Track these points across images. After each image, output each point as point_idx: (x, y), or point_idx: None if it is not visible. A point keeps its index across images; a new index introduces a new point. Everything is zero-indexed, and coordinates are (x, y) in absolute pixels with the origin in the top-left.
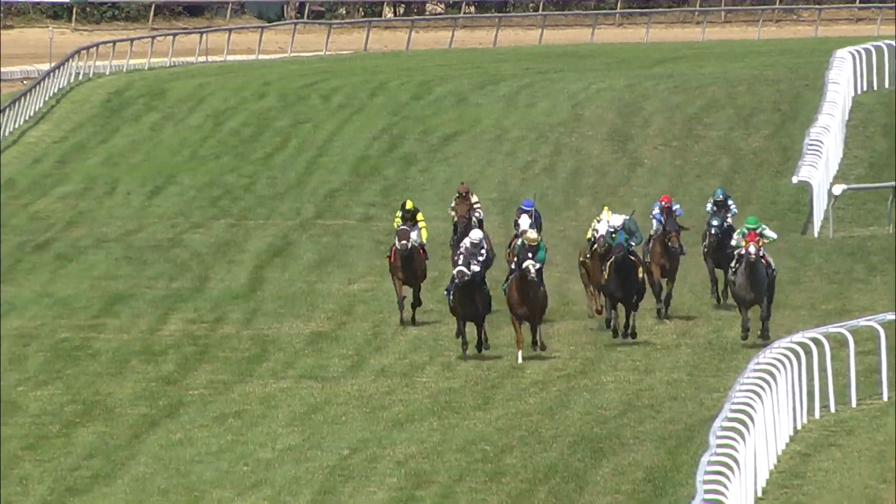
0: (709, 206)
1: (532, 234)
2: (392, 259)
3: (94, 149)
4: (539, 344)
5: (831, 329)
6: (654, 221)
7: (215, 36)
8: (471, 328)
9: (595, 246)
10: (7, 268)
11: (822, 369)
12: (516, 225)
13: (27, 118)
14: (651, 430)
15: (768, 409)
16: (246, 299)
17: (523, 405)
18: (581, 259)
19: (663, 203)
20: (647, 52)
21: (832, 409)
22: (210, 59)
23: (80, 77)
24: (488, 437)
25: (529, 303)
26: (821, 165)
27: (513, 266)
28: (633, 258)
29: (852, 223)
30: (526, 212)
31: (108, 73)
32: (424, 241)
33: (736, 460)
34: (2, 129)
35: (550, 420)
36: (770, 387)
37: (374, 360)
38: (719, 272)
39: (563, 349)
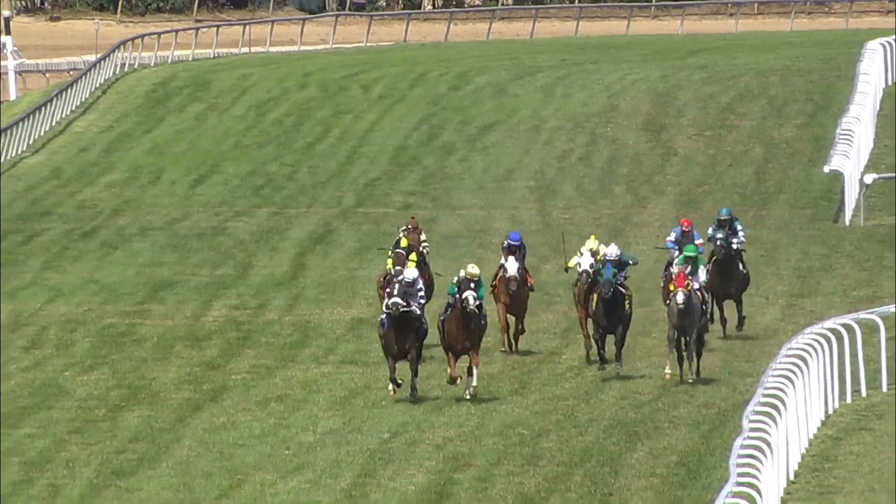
0: (710, 230)
1: (473, 269)
2: (384, 287)
3: (140, 138)
4: (472, 386)
5: (862, 315)
6: (668, 246)
7: (258, 27)
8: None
9: (578, 281)
10: (54, 255)
11: (854, 354)
12: (502, 265)
13: (74, 108)
14: (685, 415)
15: (800, 393)
16: (288, 286)
17: (559, 390)
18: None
19: (684, 227)
20: (681, 43)
21: (863, 394)
22: (253, 50)
23: (126, 68)
24: (525, 421)
25: (470, 336)
26: (852, 155)
27: (450, 301)
28: (622, 291)
29: (883, 211)
30: (512, 251)
31: (152, 64)
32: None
33: (768, 444)
34: (50, 120)
35: (586, 404)
36: (802, 372)
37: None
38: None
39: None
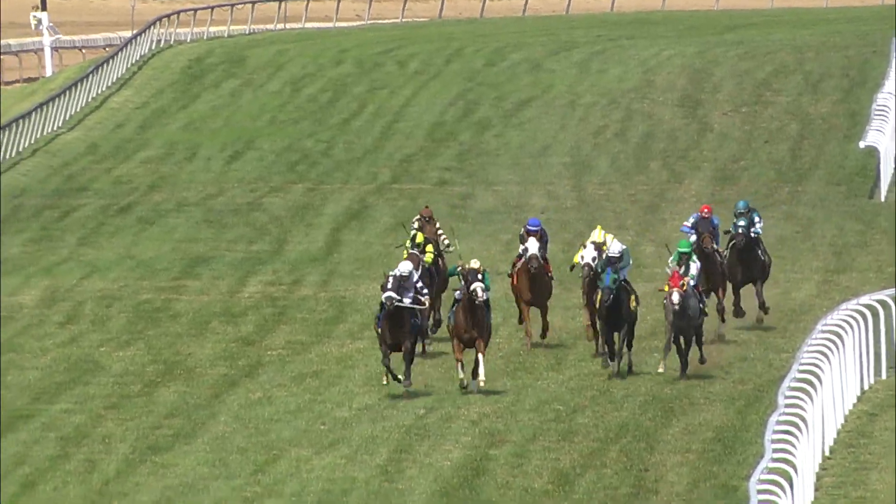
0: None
1: (474, 264)
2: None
3: (175, 114)
4: (481, 376)
5: None
6: (685, 230)
7: (294, 4)
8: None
9: (582, 275)
10: (90, 231)
11: (889, 330)
12: (522, 241)
13: (110, 84)
14: (720, 391)
15: (836, 369)
16: (323, 262)
17: (595, 366)
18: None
19: (703, 213)
20: (717, 18)
21: None
22: (288, 26)
23: (162, 44)
24: (561, 397)
25: (477, 326)
26: (888, 130)
27: (457, 294)
28: (625, 291)
29: None
30: (533, 233)
31: (188, 40)
32: (429, 262)
33: (804, 420)
34: (86, 96)
35: (621, 380)
36: (837, 348)
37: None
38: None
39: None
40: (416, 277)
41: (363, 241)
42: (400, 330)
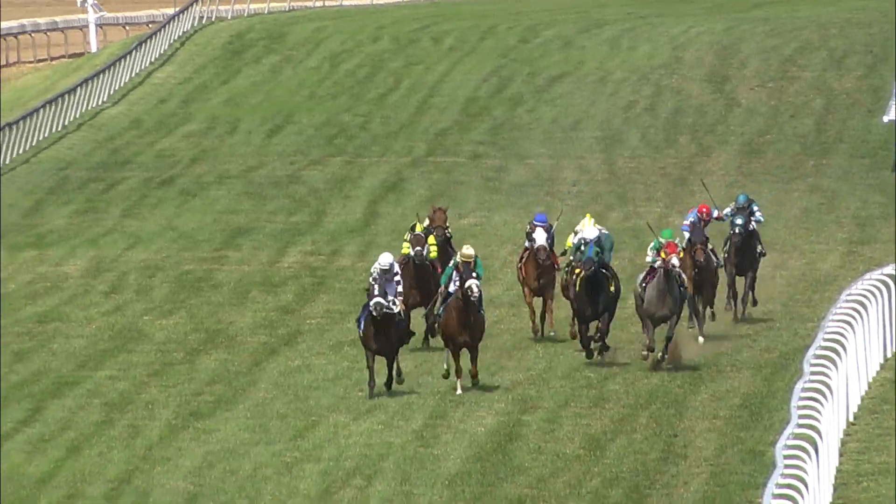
0: (728, 210)
1: (467, 250)
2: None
3: (217, 89)
4: (475, 378)
5: None
6: (684, 230)
7: None
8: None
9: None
10: (134, 203)
11: None
12: (529, 237)
13: (153, 60)
14: (747, 359)
15: (859, 338)
16: (361, 233)
17: (625, 334)
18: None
19: (702, 214)
20: None
21: None
22: (327, 4)
23: (203, 21)
24: (591, 364)
25: (470, 328)
26: None
27: (450, 289)
28: (605, 272)
29: None
30: (540, 226)
31: (229, 17)
32: (434, 257)
33: (829, 387)
34: (129, 71)
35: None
36: (861, 317)
37: (483, 291)
38: (740, 282)
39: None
40: (396, 269)
41: (399, 213)
42: (386, 336)
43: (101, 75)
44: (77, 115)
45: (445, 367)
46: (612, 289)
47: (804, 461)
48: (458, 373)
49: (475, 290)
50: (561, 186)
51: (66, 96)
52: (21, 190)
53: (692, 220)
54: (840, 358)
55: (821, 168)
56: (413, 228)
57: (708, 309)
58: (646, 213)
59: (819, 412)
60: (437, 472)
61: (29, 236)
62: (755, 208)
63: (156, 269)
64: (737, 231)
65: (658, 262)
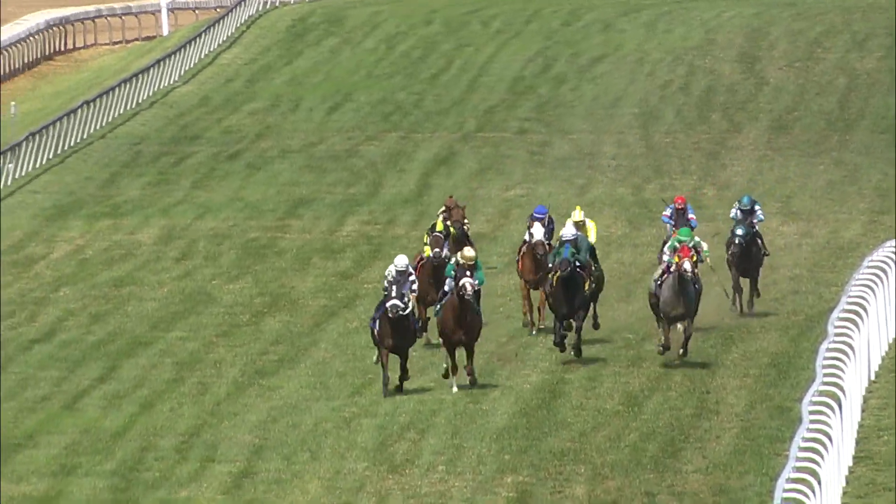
0: (734, 213)
1: (469, 252)
2: (418, 271)
3: (280, 70)
4: (472, 377)
5: None
6: (667, 225)
7: None
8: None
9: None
10: (203, 175)
11: None
12: (529, 232)
13: (220, 42)
14: (775, 321)
15: (880, 301)
16: (414, 203)
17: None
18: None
19: (677, 204)
20: None
21: None
22: None
23: (268, 5)
24: (630, 326)
25: (465, 327)
26: None
27: (446, 288)
28: (580, 272)
29: None
30: (539, 219)
31: (292, 1)
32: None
33: (852, 347)
34: (199, 53)
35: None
36: (882, 282)
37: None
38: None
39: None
40: (411, 270)
41: (451, 185)
42: (402, 336)
43: (173, 56)
44: (150, 94)
45: (444, 365)
46: (588, 288)
47: (828, 416)
48: (454, 371)
49: (468, 288)
50: (601, 160)
51: (140, 76)
52: (98, 163)
53: (671, 212)
54: (862, 320)
55: (844, 143)
56: (433, 227)
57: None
58: (681, 185)
59: (842, 371)
60: (486, 426)
61: (105, 206)
62: (757, 208)
63: (223, 237)
64: (737, 242)
65: (672, 265)
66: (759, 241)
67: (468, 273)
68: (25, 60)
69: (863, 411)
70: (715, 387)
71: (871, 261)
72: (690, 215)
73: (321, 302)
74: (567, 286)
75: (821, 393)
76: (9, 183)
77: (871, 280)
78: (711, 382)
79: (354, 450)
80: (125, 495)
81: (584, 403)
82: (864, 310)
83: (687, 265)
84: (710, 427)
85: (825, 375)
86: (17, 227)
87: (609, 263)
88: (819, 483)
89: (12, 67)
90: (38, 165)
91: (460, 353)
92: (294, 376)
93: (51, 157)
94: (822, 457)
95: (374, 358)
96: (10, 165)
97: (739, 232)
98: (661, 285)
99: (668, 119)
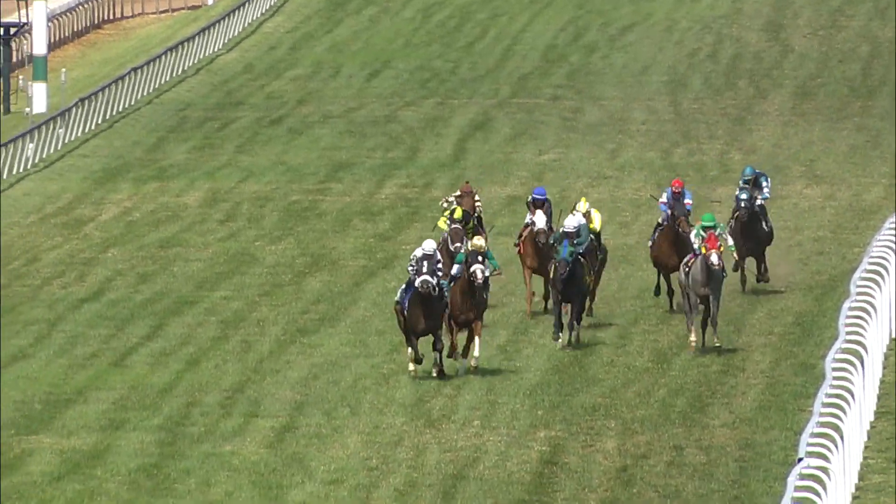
0: (739, 193)
1: (478, 241)
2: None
3: (321, 38)
4: (474, 354)
5: None
6: (662, 209)
7: None
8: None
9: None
10: (246, 140)
11: None
12: (530, 217)
13: (263, 11)
14: (799, 281)
15: None
16: (451, 167)
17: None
18: None
19: (674, 188)
20: None
21: None
22: None
23: None
24: (661, 286)
25: (473, 308)
26: None
27: (453, 272)
28: (581, 266)
29: None
30: (539, 203)
31: None
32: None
33: (873, 306)
34: (242, 21)
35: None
36: None
37: (562, 220)
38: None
39: (723, 210)
40: (438, 255)
41: (486, 150)
42: (431, 316)
43: (217, 25)
44: (195, 61)
45: (456, 361)
46: (588, 278)
47: (851, 373)
48: (464, 352)
49: (479, 275)
50: (631, 126)
51: (186, 44)
52: (145, 128)
53: (667, 197)
54: (883, 280)
55: (867, 109)
56: (453, 213)
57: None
58: (708, 150)
59: (864, 329)
60: (519, 383)
61: (152, 170)
62: (763, 183)
63: (266, 200)
64: (742, 206)
65: (700, 251)
66: (763, 216)
67: (480, 259)
68: (75, 29)
69: (884, 368)
70: (741, 344)
71: (892, 222)
72: (687, 200)
73: (360, 262)
74: (566, 282)
75: (843, 350)
76: (59, 147)
77: (892, 241)
78: (738, 340)
79: (392, 405)
80: (171, 449)
81: (614, 360)
82: (886, 270)
83: (714, 257)
84: (737, 383)
85: (848, 333)
86: (67, 190)
87: (638, 225)
88: (841, 437)
89: (62, 36)
90: (87, 130)
91: (462, 340)
92: (334, 334)
93: (100, 122)
94: (844, 412)
95: (413, 357)
96: (60, 130)
97: (743, 196)
98: (689, 272)
99: (695, 86)
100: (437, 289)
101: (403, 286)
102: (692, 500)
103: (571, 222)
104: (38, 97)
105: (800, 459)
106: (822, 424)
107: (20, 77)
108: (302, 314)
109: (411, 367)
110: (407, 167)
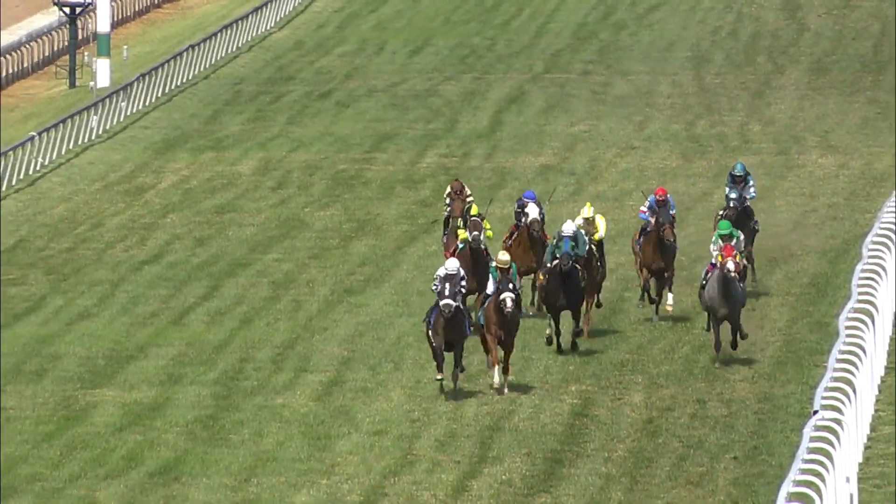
0: (728, 188)
1: (503, 256)
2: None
3: (367, 16)
4: (501, 384)
5: None
6: (641, 217)
7: None
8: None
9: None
10: (296, 112)
11: None
12: (518, 213)
13: None
14: (815, 244)
15: None
16: (488, 138)
17: (709, 223)
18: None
19: (658, 196)
20: None
21: None
22: None
23: None
24: (683, 250)
25: (505, 328)
26: None
27: (489, 291)
28: (578, 267)
29: None
30: (531, 201)
31: None
32: (490, 237)
33: (884, 268)
34: (293, 1)
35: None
36: None
37: (592, 188)
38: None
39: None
40: (462, 273)
41: (520, 121)
42: (455, 332)
43: (270, 4)
44: (249, 39)
45: (489, 358)
46: (583, 282)
47: (863, 331)
48: (495, 361)
49: (509, 304)
50: (657, 99)
51: (240, 22)
52: (202, 102)
53: (650, 204)
54: (893, 243)
55: (878, 83)
56: (468, 210)
57: (666, 281)
58: (729, 122)
59: (875, 290)
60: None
61: (209, 140)
62: (751, 181)
63: (315, 169)
64: (731, 205)
65: (717, 261)
66: (751, 215)
67: (510, 286)
68: (136, 8)
69: (894, 326)
70: (759, 304)
71: None
72: (672, 211)
73: (403, 227)
74: (565, 280)
75: (856, 310)
76: (121, 119)
77: None
78: (756, 301)
79: (433, 361)
80: (226, 402)
81: (640, 319)
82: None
83: (730, 265)
84: (756, 341)
85: (860, 294)
86: (129, 160)
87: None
88: (854, 391)
89: (124, 15)
90: (147, 104)
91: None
92: (379, 295)
93: (159, 95)
94: (856, 367)
95: (437, 365)
96: (122, 104)
97: (733, 195)
98: (706, 283)
99: (717, 62)
100: (457, 311)
101: (431, 307)
102: (714, 449)
103: (569, 227)
104: (102, 72)
105: (815, 412)
106: (836, 379)
107: (85, 53)
108: (348, 276)
109: (438, 375)
110: (446, 138)
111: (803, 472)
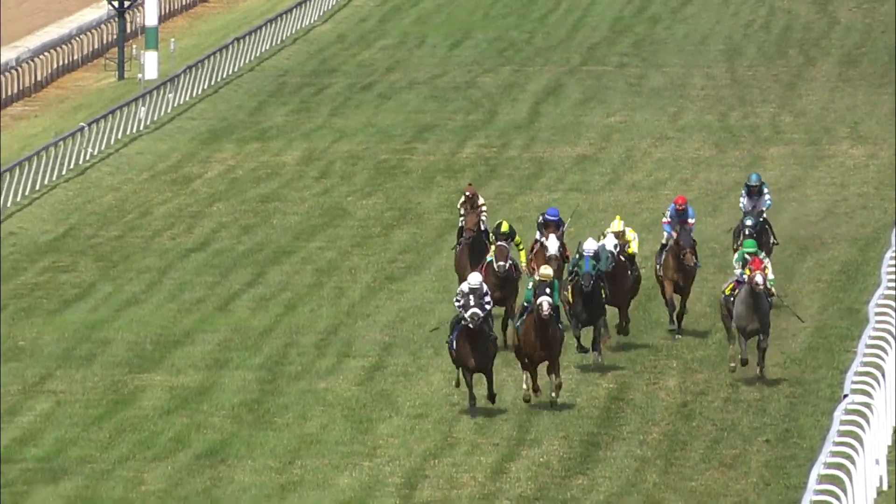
0: (743, 199)
1: (546, 270)
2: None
3: (408, 10)
4: (556, 392)
5: None
6: (665, 230)
7: None
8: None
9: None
10: (339, 104)
11: None
12: (540, 226)
13: None
14: (845, 232)
15: None
16: (526, 129)
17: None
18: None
19: (678, 205)
20: None
21: None
22: None
23: None
24: (716, 238)
25: (547, 347)
26: None
27: (525, 304)
28: (600, 286)
29: None
30: (552, 223)
31: None
32: (522, 262)
33: None
34: None
35: None
36: None
37: (627, 177)
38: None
39: (775, 168)
40: (485, 289)
41: (558, 113)
42: (483, 351)
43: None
44: (293, 32)
45: (525, 387)
46: (604, 297)
47: (892, 317)
48: (536, 390)
49: (545, 308)
50: (691, 91)
51: (284, 16)
52: (247, 93)
53: (671, 214)
54: None
55: None
56: (499, 227)
57: (680, 304)
58: (762, 113)
59: None
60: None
61: (254, 131)
62: (766, 190)
63: (357, 159)
64: (747, 232)
65: (744, 276)
66: (769, 230)
67: (546, 291)
68: (183, 3)
69: None
70: (792, 291)
71: None
72: (690, 220)
73: (443, 216)
74: (588, 298)
75: (885, 296)
76: (168, 110)
77: None
78: (789, 287)
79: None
80: (271, 386)
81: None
82: None
83: (759, 278)
84: (787, 326)
85: (889, 280)
86: (176, 150)
87: (697, 182)
88: (883, 375)
89: (172, 8)
90: (194, 95)
91: (541, 372)
92: (419, 281)
93: (205, 87)
94: (885, 352)
95: (456, 381)
96: (170, 95)
97: (749, 223)
98: (733, 301)
99: (750, 54)
100: (483, 320)
101: (451, 321)
102: (747, 432)
103: (591, 246)
104: (150, 65)
105: (845, 396)
106: (866, 364)
107: (133, 46)
108: (390, 263)
109: (469, 403)
110: (485, 129)
111: (833, 454)
